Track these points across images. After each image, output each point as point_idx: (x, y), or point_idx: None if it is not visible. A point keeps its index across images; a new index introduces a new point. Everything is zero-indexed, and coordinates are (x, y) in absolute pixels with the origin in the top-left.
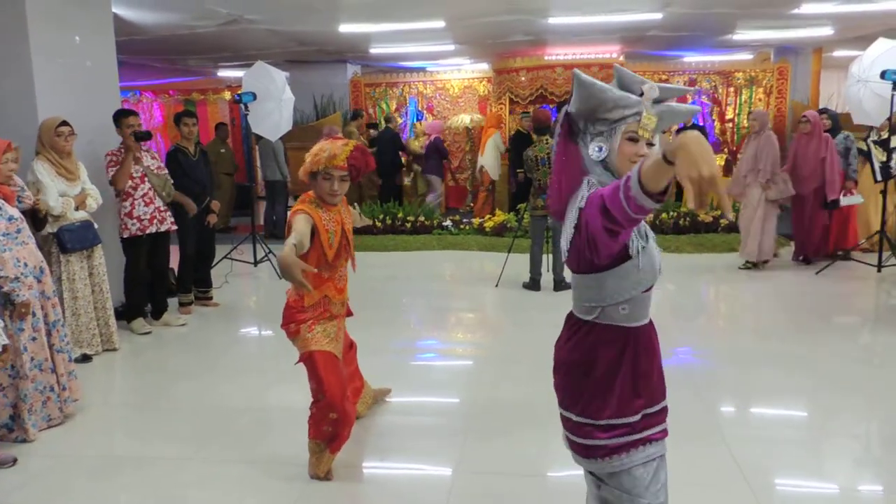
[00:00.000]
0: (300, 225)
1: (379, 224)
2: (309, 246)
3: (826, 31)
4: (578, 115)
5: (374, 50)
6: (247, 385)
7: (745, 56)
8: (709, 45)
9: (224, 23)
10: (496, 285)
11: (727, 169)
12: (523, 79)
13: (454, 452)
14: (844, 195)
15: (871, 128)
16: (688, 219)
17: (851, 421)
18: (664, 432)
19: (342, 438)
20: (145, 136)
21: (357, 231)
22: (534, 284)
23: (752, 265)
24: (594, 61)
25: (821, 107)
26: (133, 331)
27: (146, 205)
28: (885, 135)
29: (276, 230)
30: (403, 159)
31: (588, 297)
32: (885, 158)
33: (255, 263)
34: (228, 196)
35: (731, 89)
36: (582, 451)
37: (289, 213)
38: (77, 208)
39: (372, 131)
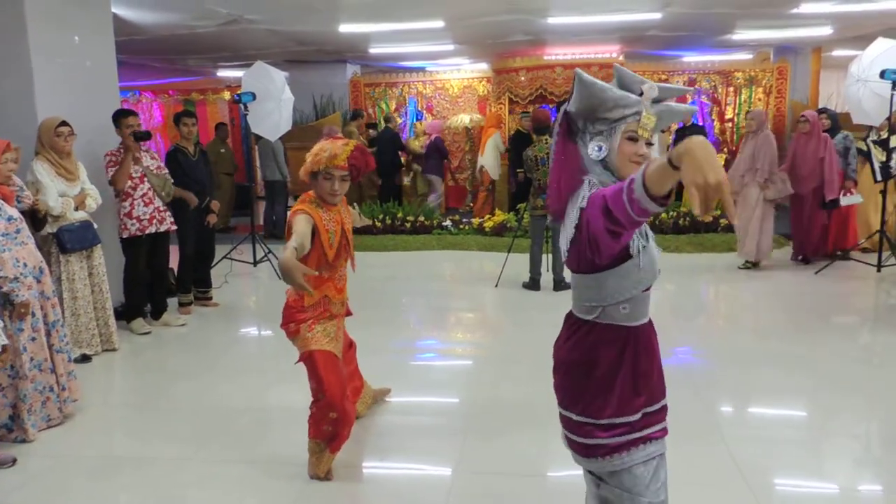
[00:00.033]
0: (301, 226)
1: (378, 224)
2: (309, 247)
3: (825, 31)
4: (578, 114)
5: (374, 50)
6: (246, 385)
7: (745, 56)
8: (708, 45)
9: (224, 23)
10: (496, 285)
11: (726, 168)
12: (523, 79)
13: (454, 452)
14: (844, 195)
15: (871, 128)
16: (687, 218)
17: (851, 421)
18: (664, 431)
19: (342, 438)
20: (145, 136)
21: (357, 231)
22: (533, 284)
23: (753, 265)
24: (594, 61)
25: (820, 106)
26: (132, 331)
27: (145, 205)
28: (884, 135)
29: (276, 230)
30: (403, 159)
31: (589, 297)
32: (884, 158)
33: (255, 263)
34: (228, 196)
35: (731, 89)
36: (582, 451)
37: (288, 213)
38: (76, 208)
39: (371, 131)
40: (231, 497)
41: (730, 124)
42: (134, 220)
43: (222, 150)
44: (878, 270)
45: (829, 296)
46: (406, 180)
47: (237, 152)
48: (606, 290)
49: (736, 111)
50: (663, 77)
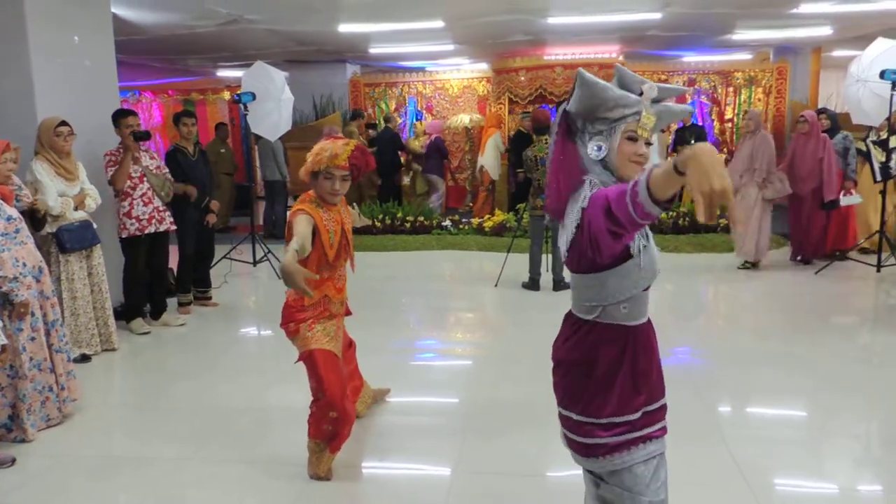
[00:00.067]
0: (301, 227)
1: (378, 224)
2: (310, 248)
3: (825, 31)
4: (577, 113)
5: (374, 50)
6: (246, 385)
7: (745, 56)
8: (708, 45)
9: (223, 23)
10: (495, 285)
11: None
12: (522, 79)
13: (453, 452)
14: (844, 195)
15: (870, 128)
16: (687, 218)
17: (851, 421)
18: (664, 430)
19: (342, 437)
20: (144, 136)
21: (356, 231)
22: (533, 284)
23: (752, 265)
24: (593, 61)
25: (820, 106)
26: (132, 331)
27: (145, 205)
28: (883, 135)
29: (276, 230)
30: (402, 159)
31: (589, 297)
32: (883, 159)
33: (255, 263)
34: (228, 196)
35: (731, 89)
36: (582, 450)
37: (288, 213)
38: (76, 208)
39: (370, 132)
40: (231, 497)
41: (729, 124)
42: (133, 220)
43: (222, 150)
44: (878, 270)
45: (828, 296)
46: (406, 180)
47: (237, 152)
48: (607, 289)
49: (736, 111)
50: (663, 77)
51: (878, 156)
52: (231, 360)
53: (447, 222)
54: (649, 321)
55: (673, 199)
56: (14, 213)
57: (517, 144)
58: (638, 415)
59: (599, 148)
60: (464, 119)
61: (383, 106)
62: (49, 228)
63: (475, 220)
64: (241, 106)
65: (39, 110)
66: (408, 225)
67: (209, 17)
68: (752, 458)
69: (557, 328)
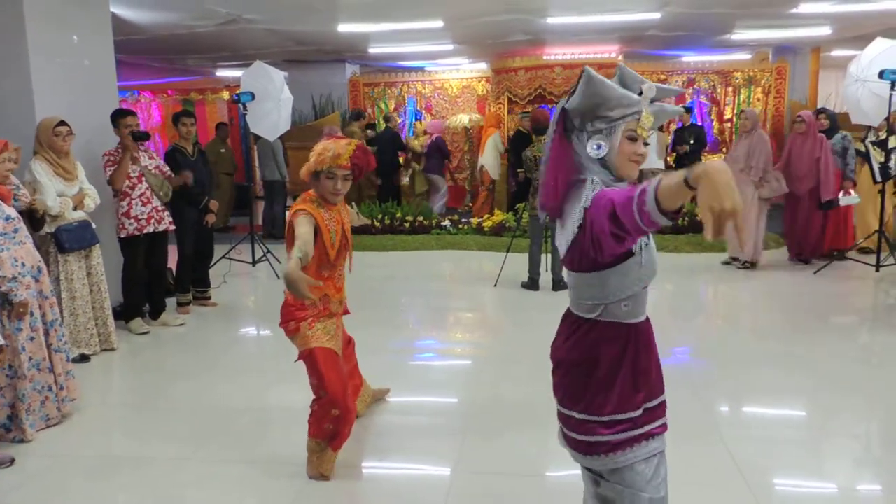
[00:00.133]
0: (304, 229)
1: (377, 224)
2: (312, 252)
3: (824, 31)
4: (576, 111)
5: (373, 50)
6: (245, 385)
7: (744, 56)
8: (707, 45)
9: (223, 22)
10: (495, 285)
11: None
12: (522, 78)
13: (453, 452)
14: (844, 195)
15: (869, 128)
16: (686, 219)
17: (850, 421)
18: (664, 427)
19: (343, 436)
20: (143, 136)
21: (355, 231)
22: (532, 284)
23: (752, 264)
24: (593, 61)
25: (819, 106)
26: (131, 331)
27: (143, 204)
28: (882, 135)
29: (275, 230)
30: (402, 159)
31: (590, 296)
32: (882, 159)
33: (254, 263)
34: (228, 196)
35: (730, 89)
36: (584, 449)
37: (287, 212)
38: (75, 208)
39: (370, 132)
40: (230, 497)
41: (728, 124)
42: (132, 220)
43: (222, 150)
44: (877, 270)
45: (827, 296)
46: (405, 179)
47: (236, 152)
48: (609, 287)
49: (735, 111)
50: (662, 77)
51: (876, 156)
52: (230, 360)
53: (446, 222)
54: (648, 319)
55: (680, 210)
56: (12, 212)
57: (517, 144)
58: (639, 412)
59: (599, 147)
60: (463, 119)
61: (382, 106)
62: (48, 228)
63: (474, 220)
64: (241, 106)
65: (38, 110)
66: (407, 225)
67: (208, 17)
68: (751, 457)
69: (557, 328)
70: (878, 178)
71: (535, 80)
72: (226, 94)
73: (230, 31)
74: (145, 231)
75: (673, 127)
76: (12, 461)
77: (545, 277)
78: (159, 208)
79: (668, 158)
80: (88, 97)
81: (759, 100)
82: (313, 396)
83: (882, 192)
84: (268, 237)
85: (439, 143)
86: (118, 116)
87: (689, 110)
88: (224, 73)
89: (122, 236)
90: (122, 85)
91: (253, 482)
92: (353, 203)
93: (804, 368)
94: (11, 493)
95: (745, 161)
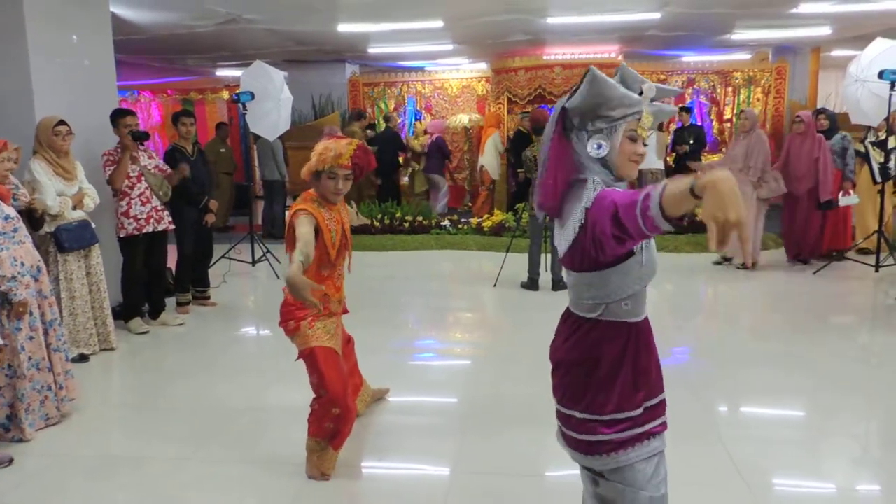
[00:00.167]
0: (305, 229)
1: (377, 224)
2: (313, 254)
3: (824, 31)
4: (576, 110)
5: (373, 49)
6: (245, 385)
7: (744, 56)
8: (707, 45)
9: (222, 22)
10: (494, 285)
11: None
12: (522, 78)
13: (452, 452)
14: (843, 195)
15: (869, 129)
16: (686, 218)
17: (849, 421)
18: (664, 425)
19: (344, 435)
20: (143, 136)
21: (355, 230)
22: (532, 284)
23: (751, 266)
24: (593, 61)
25: (819, 107)
26: (130, 330)
27: (143, 204)
28: (882, 136)
29: (274, 230)
30: (401, 158)
31: (591, 295)
32: (882, 160)
33: (253, 263)
34: (227, 196)
35: (730, 89)
36: (584, 448)
37: (286, 212)
38: (74, 208)
39: (370, 132)
40: (230, 497)
41: (728, 124)
42: (131, 220)
43: (222, 150)
44: (877, 271)
45: (827, 296)
46: (404, 179)
47: (236, 151)
48: (610, 287)
49: (735, 111)
50: (662, 77)
51: (876, 157)
52: (230, 360)
53: (446, 222)
54: (647, 318)
55: (684, 216)
56: (12, 212)
57: (516, 144)
58: (640, 410)
59: (600, 146)
60: (463, 119)
61: (382, 106)
62: (47, 228)
63: (474, 220)
64: (240, 105)
65: (38, 110)
66: (406, 224)
67: (208, 17)
68: (750, 457)
69: (556, 328)
70: (878, 179)
71: (535, 80)
72: (225, 94)
73: (230, 30)
74: (145, 231)
75: (673, 127)
76: (11, 461)
77: (545, 277)
78: (159, 208)
79: (668, 158)
80: (88, 97)
81: (758, 100)
82: (313, 396)
83: (882, 192)
84: (267, 237)
85: (440, 143)
86: (118, 116)
87: (688, 110)
88: (224, 72)
89: (122, 236)
90: (121, 85)
91: (252, 482)
92: (353, 202)
93: (803, 368)
94: (10, 493)
95: (744, 161)
